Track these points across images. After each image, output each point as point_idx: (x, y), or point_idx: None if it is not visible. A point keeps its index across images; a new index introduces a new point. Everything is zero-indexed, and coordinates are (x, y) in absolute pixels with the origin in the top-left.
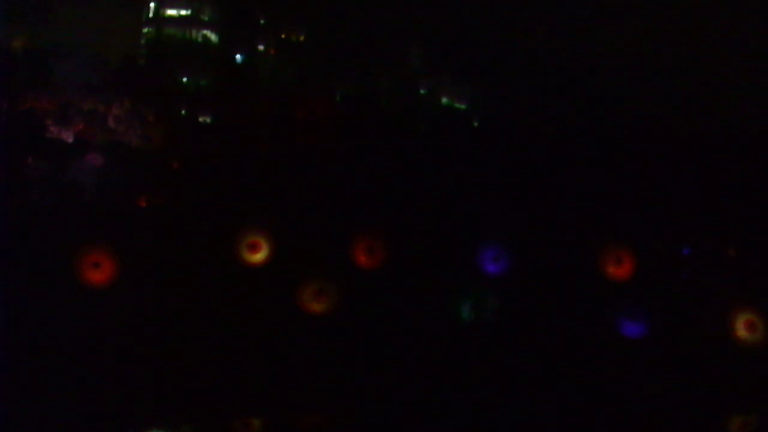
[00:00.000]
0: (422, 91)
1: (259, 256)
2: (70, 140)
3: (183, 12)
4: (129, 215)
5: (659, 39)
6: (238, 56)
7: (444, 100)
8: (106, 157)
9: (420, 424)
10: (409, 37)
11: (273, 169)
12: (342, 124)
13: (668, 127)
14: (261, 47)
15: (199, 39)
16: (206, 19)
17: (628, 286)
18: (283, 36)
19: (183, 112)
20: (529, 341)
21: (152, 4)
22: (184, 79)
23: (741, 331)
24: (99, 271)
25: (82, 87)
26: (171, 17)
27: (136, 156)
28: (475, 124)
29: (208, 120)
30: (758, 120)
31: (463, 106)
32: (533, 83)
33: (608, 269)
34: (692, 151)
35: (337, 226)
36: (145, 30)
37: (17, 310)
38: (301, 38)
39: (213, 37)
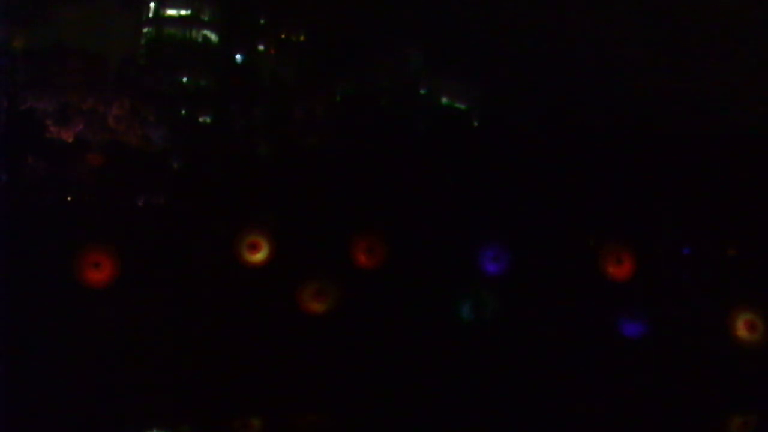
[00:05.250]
0: (422, 91)
1: (259, 256)
2: (70, 140)
3: (183, 12)
4: (129, 215)
5: (661, 40)
6: (238, 56)
7: (444, 100)
8: (106, 157)
9: (420, 424)
10: (409, 37)
11: (273, 169)
12: (342, 124)
13: (669, 128)
14: (261, 47)
15: (199, 39)
16: (206, 19)
17: (628, 286)
18: (283, 36)
19: (183, 112)
20: (529, 341)
21: (152, 4)
22: (184, 79)
23: (741, 331)
24: (99, 271)
25: (82, 87)
26: (171, 17)
27: (136, 156)
28: (475, 124)
29: (208, 120)
30: (758, 121)
31: (463, 106)
32: (533, 83)
33: (608, 269)
34: (693, 152)
35: (337, 226)
36: (145, 30)
37: (17, 310)
38: (301, 38)
39: (213, 37)
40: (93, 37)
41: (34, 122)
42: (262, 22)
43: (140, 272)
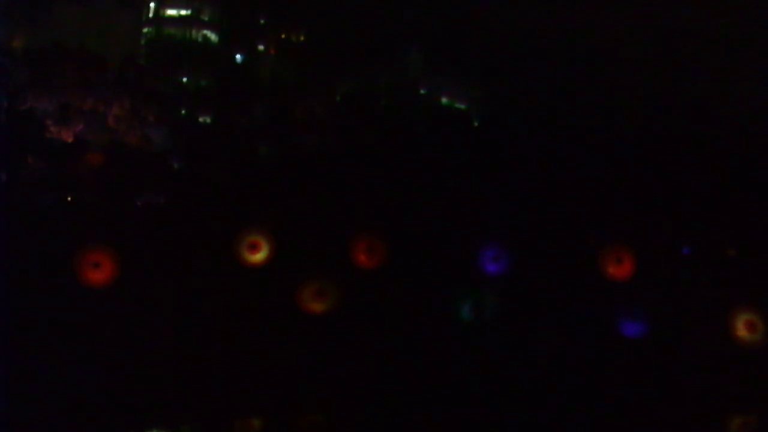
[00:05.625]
0: (422, 91)
1: (259, 256)
2: (70, 140)
3: (183, 12)
4: (129, 215)
5: (660, 41)
6: (238, 56)
7: (444, 100)
8: (106, 157)
9: (419, 424)
10: (409, 37)
11: (273, 169)
12: (342, 124)
13: (669, 128)
14: (261, 47)
15: (199, 39)
16: (206, 19)
17: (628, 286)
18: (283, 36)
19: (183, 112)
20: (529, 341)
21: (152, 4)
22: (184, 79)
23: (741, 331)
24: (99, 271)
25: (82, 87)
26: (171, 17)
27: (136, 156)
28: (476, 124)
29: (208, 120)
30: (758, 121)
31: (463, 106)
32: (533, 83)
33: (608, 269)
34: (692, 152)
35: (337, 226)
36: (145, 30)
37: (17, 310)
38: (301, 38)
39: (213, 37)
40: (93, 37)
41: (34, 122)
42: (262, 22)
43: (140, 272)
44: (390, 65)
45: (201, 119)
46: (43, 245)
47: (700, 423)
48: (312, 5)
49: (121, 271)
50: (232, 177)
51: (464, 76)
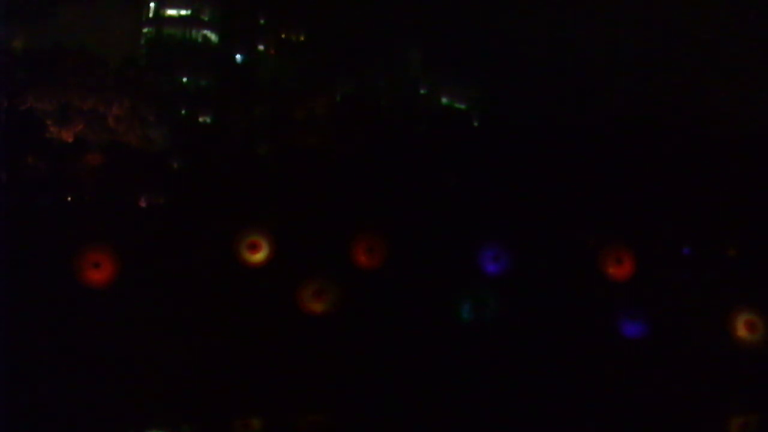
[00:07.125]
0: (422, 91)
1: (259, 256)
2: (70, 140)
3: (183, 12)
4: (129, 215)
5: (660, 40)
6: (238, 56)
7: (444, 100)
8: (106, 157)
9: (420, 424)
10: (408, 37)
11: (273, 169)
12: (342, 124)
13: (668, 129)
14: (261, 47)
15: (199, 39)
16: (206, 19)
17: (628, 286)
18: (283, 36)
19: (183, 112)
20: (529, 341)
21: (152, 4)
22: (184, 79)
23: (741, 331)
24: (99, 271)
25: (82, 87)
26: (171, 17)
27: (136, 156)
28: (475, 124)
29: (208, 120)
30: (758, 121)
31: (463, 106)
32: (533, 83)
33: (608, 269)
34: (692, 152)
35: (337, 226)
36: (145, 30)
37: (17, 310)
38: (301, 38)
39: (213, 37)
40: (93, 37)
41: (34, 122)
42: (262, 22)
43: (140, 272)
44: (390, 65)
45: (201, 119)
46: (43, 245)
47: (701, 423)
48: (312, 5)
49: (121, 271)
50: (232, 177)
51: (464, 76)
